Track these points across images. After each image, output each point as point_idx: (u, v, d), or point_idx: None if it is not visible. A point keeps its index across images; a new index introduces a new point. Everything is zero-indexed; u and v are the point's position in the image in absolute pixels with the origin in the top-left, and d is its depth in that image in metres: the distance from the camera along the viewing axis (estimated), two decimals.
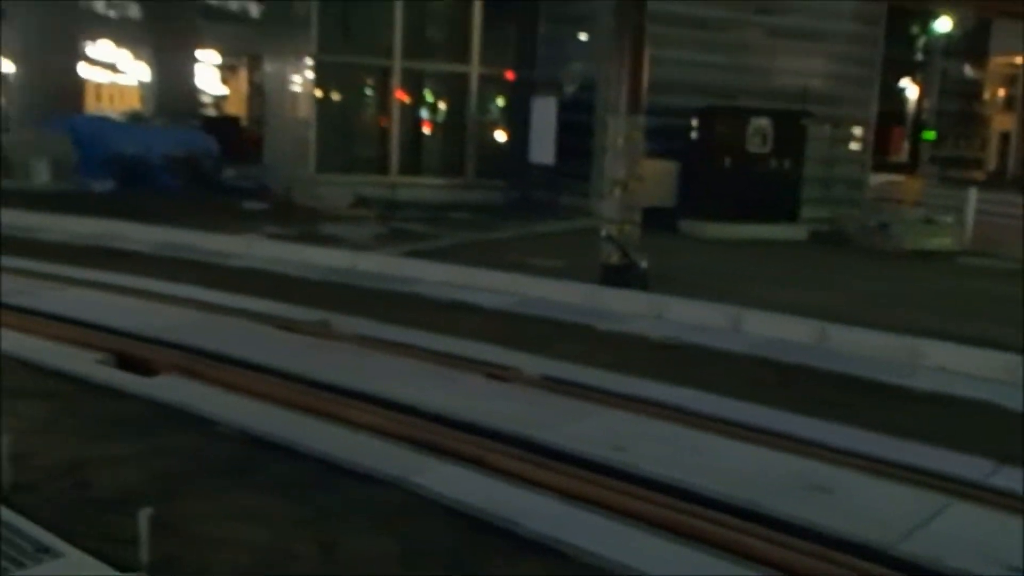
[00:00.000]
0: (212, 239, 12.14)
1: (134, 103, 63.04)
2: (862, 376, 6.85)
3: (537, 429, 5.08)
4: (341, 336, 7.29)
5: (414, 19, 19.02)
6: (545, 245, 13.45)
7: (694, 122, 15.96)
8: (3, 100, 28.98)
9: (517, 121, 19.25)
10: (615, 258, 9.81)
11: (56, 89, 25.61)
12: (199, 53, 38.71)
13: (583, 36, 18.09)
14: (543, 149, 18.00)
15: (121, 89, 64.30)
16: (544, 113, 18.10)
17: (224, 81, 60.48)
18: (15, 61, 26.87)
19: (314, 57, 18.21)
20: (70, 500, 3.94)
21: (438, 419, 5.18)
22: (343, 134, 19.42)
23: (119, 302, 8.09)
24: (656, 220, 11.90)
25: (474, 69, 19.12)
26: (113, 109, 50.72)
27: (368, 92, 20.28)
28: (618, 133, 9.85)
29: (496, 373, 6.24)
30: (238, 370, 5.99)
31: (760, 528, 3.89)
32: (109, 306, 7.86)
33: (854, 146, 18.54)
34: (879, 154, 25.82)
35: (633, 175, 9.90)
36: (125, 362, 6.18)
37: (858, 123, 18.33)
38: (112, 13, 68.23)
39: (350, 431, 5.00)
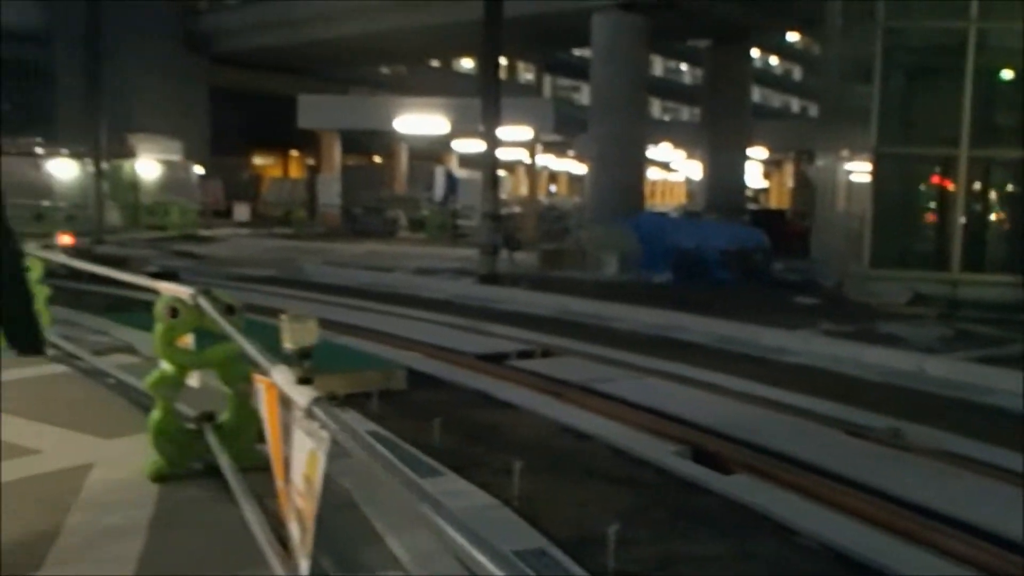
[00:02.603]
0: (767, 334, 12.22)
1: (681, 198, 67.21)
2: None
3: None
4: (916, 448, 6.82)
5: (984, 105, 17.69)
6: None
7: None
8: (580, 199, 32.57)
9: None
10: None
11: (623, 189, 28.18)
12: (749, 150, 39.97)
13: None
14: None
15: (671, 186, 68.94)
16: None
17: (766, 175, 61.80)
18: (592, 164, 30.06)
19: (873, 150, 17.74)
20: None
21: None
22: (900, 227, 18.57)
23: (688, 394, 8.43)
24: None
25: None
26: (663, 204, 54.36)
27: (929, 183, 19.22)
28: None
29: None
30: (812, 476, 5.87)
31: None
32: (680, 398, 8.23)
33: None
34: None
35: None
36: (699, 455, 6.39)
37: None
38: (668, 117, 73.75)
39: (945, 562, 4.60)
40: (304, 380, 2.36)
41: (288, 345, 2.42)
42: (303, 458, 2.62)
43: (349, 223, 32.66)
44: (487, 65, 19.23)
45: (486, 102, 17.97)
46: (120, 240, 25.82)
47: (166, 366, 4.94)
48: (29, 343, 3.26)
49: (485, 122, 18.15)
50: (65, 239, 9.97)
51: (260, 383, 3.00)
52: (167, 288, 5.24)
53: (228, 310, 4.83)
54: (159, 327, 4.93)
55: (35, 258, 8.77)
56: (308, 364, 2.36)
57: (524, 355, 10.54)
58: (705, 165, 39.86)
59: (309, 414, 2.33)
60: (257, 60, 41.68)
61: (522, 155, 37.38)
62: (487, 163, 18.37)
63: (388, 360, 8.84)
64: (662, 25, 30.21)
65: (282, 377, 2.61)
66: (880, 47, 17.10)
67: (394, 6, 34.50)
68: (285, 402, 2.74)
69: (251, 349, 4.08)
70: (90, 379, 7.57)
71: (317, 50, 39.40)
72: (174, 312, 4.90)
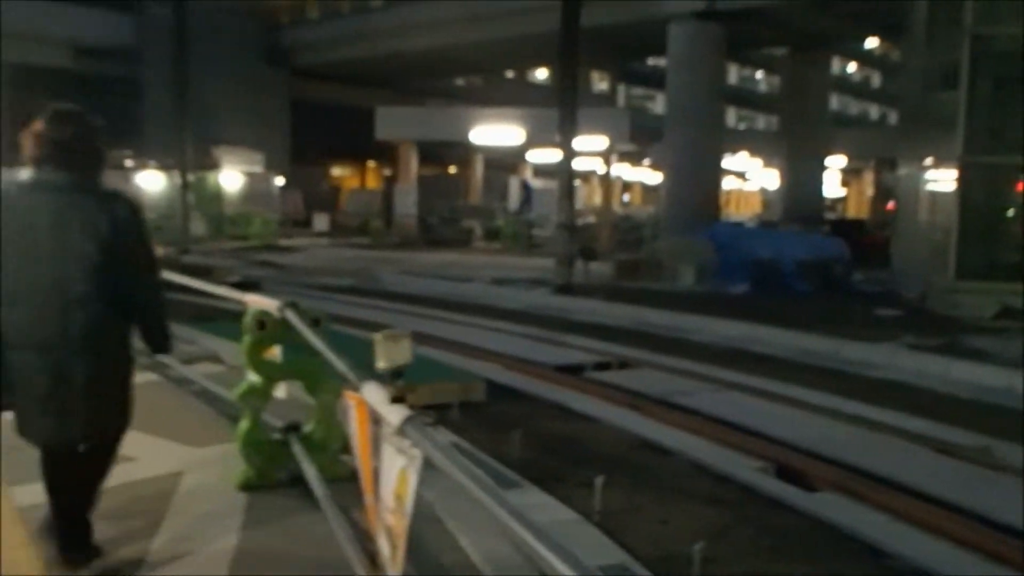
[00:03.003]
0: (849, 347, 11.98)
1: (755, 207, 66.39)
2: None
3: None
4: (1008, 467, 6.61)
5: None
6: None
7: None
8: (654, 209, 32.42)
9: None
10: None
11: (698, 199, 27.93)
12: (827, 159, 39.27)
13: None
14: None
15: (746, 195, 68.05)
16: None
17: (844, 183, 60.59)
18: (667, 174, 29.87)
19: (959, 158, 17.28)
20: None
21: None
22: (987, 238, 18.04)
23: (770, 409, 8.31)
24: None
25: None
26: (738, 214, 53.73)
27: (1017, 192, 18.64)
28: None
29: None
30: (900, 495, 5.73)
31: None
32: (761, 412, 8.12)
33: None
34: None
35: None
36: (783, 472, 6.30)
37: None
38: (743, 125, 72.95)
39: None
40: (397, 399, 2.39)
41: (381, 364, 2.45)
42: (393, 475, 2.65)
43: (425, 233, 32.97)
44: (564, 76, 19.26)
45: (563, 113, 17.99)
46: (205, 250, 26.47)
47: (254, 377, 5.05)
48: (160, 344, 3.81)
49: (562, 133, 18.17)
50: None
51: (350, 399, 3.05)
52: (255, 300, 5.34)
53: (314, 322, 4.91)
54: (247, 339, 5.04)
55: None
56: (401, 383, 2.39)
57: (601, 367, 10.53)
58: (782, 174, 39.29)
59: (402, 433, 2.36)
60: (335, 73, 42.39)
61: (597, 164, 37.31)
62: (563, 174, 18.39)
63: (467, 372, 8.89)
64: (739, 34, 29.90)
65: (374, 394, 2.65)
66: (967, 53, 16.66)
67: (469, 20, 34.77)
68: (375, 418, 2.78)
69: (337, 362, 4.15)
70: (179, 387, 7.77)
71: (393, 63, 39.92)
72: (262, 324, 5.00)
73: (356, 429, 3.09)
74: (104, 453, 3.91)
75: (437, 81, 48.96)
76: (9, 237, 3.54)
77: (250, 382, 5.05)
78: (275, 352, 5.15)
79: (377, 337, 2.46)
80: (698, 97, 28.27)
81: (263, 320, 5.00)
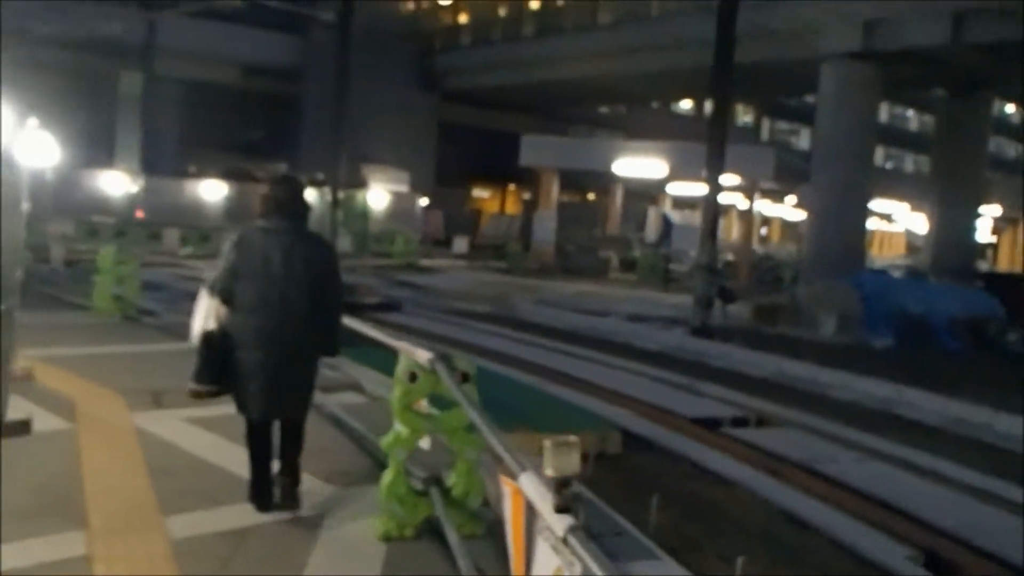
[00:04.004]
0: (1004, 420, 11.31)
1: (899, 249, 64.07)
2: None
3: None
4: None
5: None
6: None
7: None
8: (792, 246, 31.51)
9: None
10: None
11: (843, 243, 27.13)
12: (982, 207, 37.44)
13: None
14: None
15: (889, 236, 65.61)
16: None
17: (994, 231, 57.50)
18: (811, 216, 29.09)
19: None
20: None
21: None
22: None
23: (919, 486, 7.93)
24: None
25: None
26: (881, 256, 51.87)
27: None
28: None
29: None
30: None
31: None
32: (910, 489, 7.75)
33: None
34: None
35: None
36: (934, 562, 5.99)
37: None
38: (890, 164, 70.46)
39: None
40: (563, 509, 2.38)
41: (549, 471, 2.45)
42: (548, 568, 2.64)
43: (562, 260, 33.07)
44: (715, 113, 19.08)
45: (711, 150, 17.78)
46: (349, 266, 27.16)
47: (401, 428, 5.14)
48: (331, 350, 5.46)
49: (709, 170, 17.98)
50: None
51: (507, 485, 3.06)
52: (407, 349, 5.42)
53: (463, 378, 4.98)
54: (398, 389, 5.13)
55: None
56: (569, 493, 2.38)
57: (739, 422, 10.29)
58: (931, 219, 37.69)
59: (564, 543, 2.35)
60: (482, 97, 43.13)
61: (738, 199, 36.71)
62: (707, 213, 18.16)
63: (604, 420, 8.84)
64: (894, 75, 28.97)
65: (533, 489, 2.64)
66: None
67: (617, 53, 34.87)
68: (530, 506, 2.78)
69: (493, 439, 4.12)
70: (321, 418, 7.96)
71: (540, 90, 40.31)
72: (413, 377, 5.10)
73: (510, 514, 3.09)
74: (299, 425, 5.34)
75: (581, 108, 49.20)
76: (253, 266, 4.98)
77: (397, 432, 5.13)
78: (423, 404, 5.24)
79: (546, 445, 2.46)
80: (848, 138, 27.50)
81: (414, 372, 5.09)
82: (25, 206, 6.72)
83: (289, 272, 4.99)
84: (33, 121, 8.44)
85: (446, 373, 4.93)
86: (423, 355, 5.20)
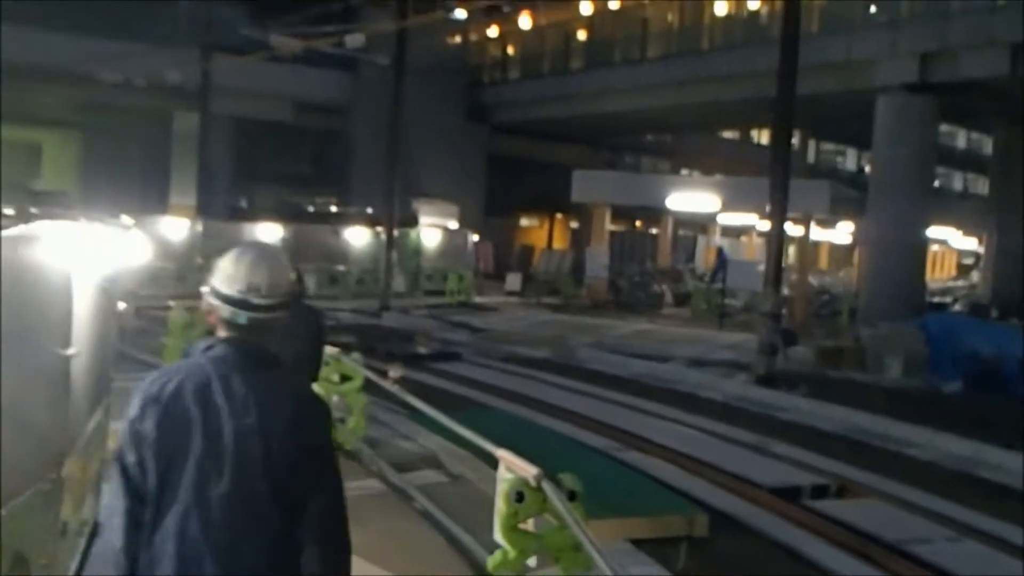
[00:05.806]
0: None
1: (950, 271, 63.39)
2: None
3: None
4: None
5: None
6: None
7: None
8: (844, 275, 30.96)
9: None
10: None
11: (902, 277, 26.74)
12: None
13: None
14: None
15: (940, 255, 64.70)
16: None
17: None
18: (869, 248, 28.61)
19: None
20: None
21: None
22: None
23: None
24: None
25: None
26: (931, 278, 51.09)
27: None
28: None
29: None
30: None
31: None
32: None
33: None
34: None
35: None
36: None
37: None
38: (938, 183, 69.48)
39: None
40: None
41: None
42: None
43: (614, 295, 32.88)
44: (775, 146, 18.99)
45: (774, 196, 17.59)
46: (403, 306, 27.31)
47: (508, 548, 5.06)
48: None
49: (772, 216, 17.84)
50: (393, 373, 10.57)
51: None
52: (509, 461, 5.33)
53: (571, 496, 4.92)
54: (503, 509, 5.05)
55: (356, 371, 9.40)
56: None
57: (819, 491, 10.09)
58: (989, 248, 36.97)
59: None
60: (531, 129, 43.25)
61: (792, 228, 36.25)
62: (771, 260, 17.92)
63: (688, 502, 8.71)
64: (952, 106, 28.52)
65: None
66: None
67: (668, 85, 34.85)
68: None
69: (599, 560, 4.08)
70: (400, 500, 7.85)
71: (588, 122, 40.34)
72: (520, 496, 5.02)
73: None
74: None
75: (628, 138, 49.19)
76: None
77: (504, 553, 5.06)
78: (530, 523, 5.16)
79: None
80: (906, 170, 27.12)
81: (521, 492, 5.02)
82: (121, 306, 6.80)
83: (293, 336, 4.23)
84: (128, 221, 8.57)
85: (553, 493, 4.87)
86: (529, 471, 5.13)
